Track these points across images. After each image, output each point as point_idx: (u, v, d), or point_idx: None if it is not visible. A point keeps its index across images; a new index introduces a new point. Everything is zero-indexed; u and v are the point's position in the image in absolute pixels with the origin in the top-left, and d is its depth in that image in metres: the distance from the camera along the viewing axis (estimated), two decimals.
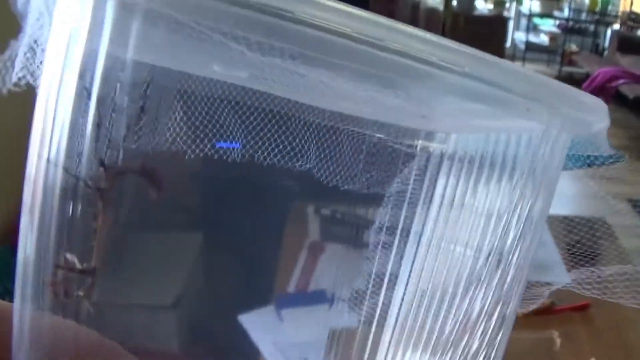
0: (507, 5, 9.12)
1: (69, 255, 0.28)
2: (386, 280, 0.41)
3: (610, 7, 8.63)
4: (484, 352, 0.30)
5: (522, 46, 9.13)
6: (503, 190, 0.32)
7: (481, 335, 0.30)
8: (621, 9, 8.46)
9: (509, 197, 0.31)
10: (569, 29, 8.79)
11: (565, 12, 9.04)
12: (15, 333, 0.27)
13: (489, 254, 0.31)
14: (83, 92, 0.28)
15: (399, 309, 0.36)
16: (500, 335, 0.30)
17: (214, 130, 0.39)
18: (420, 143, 0.39)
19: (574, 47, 8.51)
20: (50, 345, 0.27)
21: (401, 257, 0.40)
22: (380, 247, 0.41)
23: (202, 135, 0.38)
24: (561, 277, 0.35)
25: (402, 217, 0.40)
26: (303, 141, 0.39)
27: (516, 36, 9.65)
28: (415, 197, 0.39)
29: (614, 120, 0.31)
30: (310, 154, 0.40)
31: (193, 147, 0.38)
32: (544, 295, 0.39)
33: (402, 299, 0.36)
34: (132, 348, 0.31)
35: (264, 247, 1.11)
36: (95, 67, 0.28)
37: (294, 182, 1.13)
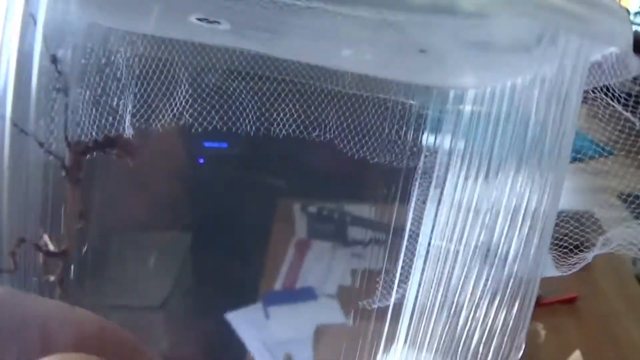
0: None
1: (45, 237, 0.27)
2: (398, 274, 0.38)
3: None
4: (511, 318, 0.27)
5: None
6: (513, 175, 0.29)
7: (498, 329, 0.27)
8: None
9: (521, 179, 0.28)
10: None
11: None
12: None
13: (498, 252, 0.28)
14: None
15: (415, 301, 0.33)
16: (524, 300, 0.27)
17: (223, 103, 0.37)
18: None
19: None
20: (75, 337, 0.26)
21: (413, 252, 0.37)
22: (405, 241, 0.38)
23: (210, 110, 0.36)
24: (548, 270, 0.33)
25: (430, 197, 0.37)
26: (320, 110, 0.37)
27: None
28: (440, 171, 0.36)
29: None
30: (330, 124, 0.37)
31: (202, 121, 0.36)
32: (588, 258, 0.35)
33: (418, 293, 0.33)
34: None
35: (251, 246, 1.11)
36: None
37: (281, 181, 1.13)
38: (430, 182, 0.37)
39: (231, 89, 0.36)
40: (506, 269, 0.28)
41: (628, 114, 0.31)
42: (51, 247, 0.26)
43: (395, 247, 0.40)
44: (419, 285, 0.34)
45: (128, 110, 0.35)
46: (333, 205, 1.18)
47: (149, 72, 0.35)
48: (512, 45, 0.27)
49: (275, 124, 0.37)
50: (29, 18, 0.26)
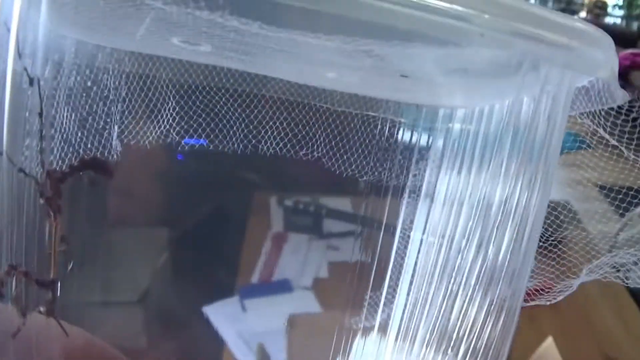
0: None
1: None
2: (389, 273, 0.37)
3: None
4: (489, 346, 0.27)
5: None
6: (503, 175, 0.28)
7: (484, 328, 0.27)
8: None
9: (511, 180, 0.28)
10: None
11: (532, 0, 8.69)
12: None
13: (489, 248, 0.28)
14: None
15: (406, 299, 0.33)
16: (503, 327, 0.27)
17: (210, 121, 0.37)
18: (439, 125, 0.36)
19: None
20: (61, 352, 0.27)
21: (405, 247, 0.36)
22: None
23: (197, 128, 0.36)
24: None
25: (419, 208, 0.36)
26: (308, 128, 0.37)
27: None
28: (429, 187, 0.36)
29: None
30: (318, 142, 0.37)
31: (188, 138, 0.36)
32: (573, 287, 0.35)
33: (409, 289, 0.33)
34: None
35: (228, 240, 1.12)
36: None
37: (256, 175, 1.13)
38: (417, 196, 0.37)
39: (218, 106, 0.36)
40: (492, 281, 0.28)
41: (614, 141, 0.31)
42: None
43: (371, 239, 0.40)
44: (408, 283, 0.34)
45: (115, 127, 0.35)
46: (309, 198, 1.19)
47: (137, 90, 0.35)
48: (492, 71, 0.27)
49: (263, 141, 0.37)
50: (4, 29, 0.25)
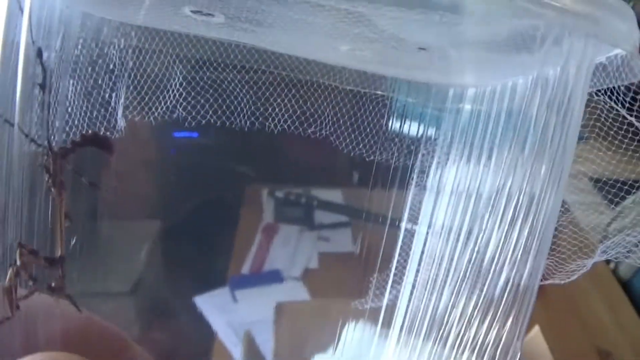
0: None
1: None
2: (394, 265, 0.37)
3: None
4: (507, 328, 0.26)
5: None
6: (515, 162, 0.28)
7: (502, 311, 0.27)
8: None
9: (524, 167, 0.27)
10: None
11: None
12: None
13: (506, 227, 0.27)
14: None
15: (413, 286, 0.32)
16: (522, 309, 0.26)
17: (218, 97, 0.36)
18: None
19: None
20: (61, 330, 0.26)
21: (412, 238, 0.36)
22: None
23: (204, 104, 0.36)
24: None
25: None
26: (317, 106, 0.36)
27: None
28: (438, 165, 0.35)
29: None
30: (326, 120, 0.37)
31: (196, 115, 0.36)
32: (587, 266, 0.35)
33: (414, 284, 0.33)
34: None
35: (220, 232, 1.13)
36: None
37: (250, 167, 1.14)
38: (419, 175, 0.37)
39: (226, 82, 0.36)
40: (503, 275, 0.27)
41: (632, 118, 0.30)
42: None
43: (360, 230, 0.40)
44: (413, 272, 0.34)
45: (120, 103, 0.34)
46: (300, 190, 1.20)
47: (143, 65, 0.34)
48: (514, 45, 0.26)
49: (270, 119, 0.37)
50: (16, 6, 0.25)
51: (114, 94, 0.34)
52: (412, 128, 0.38)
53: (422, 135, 0.37)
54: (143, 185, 1.06)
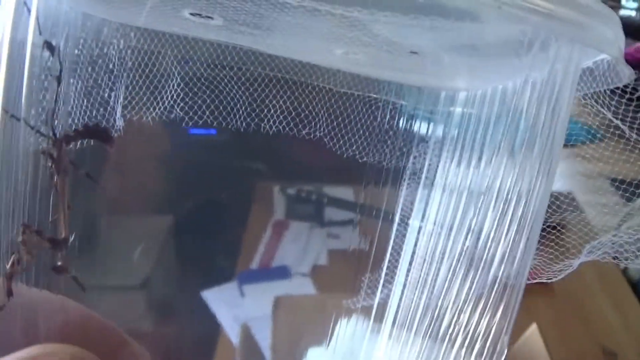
0: None
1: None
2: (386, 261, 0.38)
3: None
4: (495, 323, 0.27)
5: None
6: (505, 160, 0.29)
7: (490, 307, 0.27)
8: None
9: (513, 167, 0.28)
10: None
11: None
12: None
13: (490, 235, 0.28)
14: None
15: (403, 289, 0.33)
16: (509, 304, 0.27)
17: (214, 98, 0.37)
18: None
19: None
20: (60, 325, 0.27)
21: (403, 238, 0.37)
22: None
23: (201, 104, 0.36)
24: None
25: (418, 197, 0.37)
26: (311, 108, 0.37)
27: None
28: (430, 173, 0.36)
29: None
30: (320, 122, 0.37)
31: (192, 115, 0.36)
32: (573, 266, 0.36)
33: (405, 280, 0.33)
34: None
35: (230, 227, 1.14)
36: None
37: (260, 164, 1.15)
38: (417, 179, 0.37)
39: (222, 84, 0.36)
40: (492, 270, 0.28)
41: (617, 122, 0.31)
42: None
43: (370, 227, 0.40)
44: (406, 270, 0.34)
45: (119, 102, 0.35)
46: (312, 187, 1.20)
47: (142, 65, 0.35)
48: (502, 49, 0.27)
49: (266, 120, 0.37)
50: (22, 6, 0.26)
51: (113, 94, 0.35)
52: (404, 130, 0.38)
53: (414, 137, 0.38)
54: (155, 181, 1.07)
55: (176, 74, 0.36)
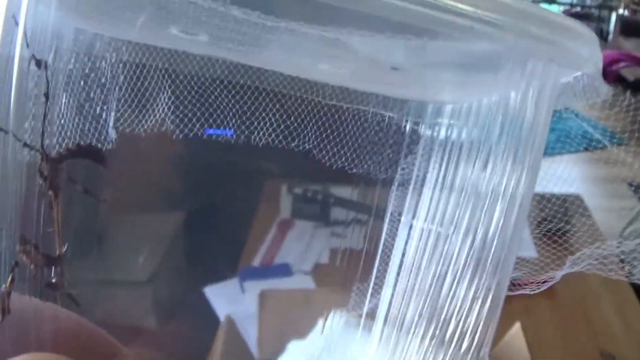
0: None
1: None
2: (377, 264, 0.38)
3: None
4: (472, 334, 0.28)
5: None
6: (491, 166, 0.29)
7: (470, 317, 0.28)
8: None
9: (498, 171, 0.28)
10: (574, 14, 8.50)
11: None
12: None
13: (476, 235, 0.29)
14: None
15: (392, 291, 0.34)
16: (490, 315, 0.28)
17: (205, 110, 0.37)
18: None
19: None
20: (51, 333, 0.27)
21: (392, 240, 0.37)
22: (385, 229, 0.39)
23: (192, 117, 0.37)
24: (528, 251, 0.33)
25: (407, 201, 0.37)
26: (300, 120, 0.37)
27: None
28: (417, 180, 0.37)
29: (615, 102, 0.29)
30: (309, 134, 0.38)
31: (183, 128, 0.37)
32: (556, 277, 0.36)
33: (395, 282, 0.34)
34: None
35: (236, 226, 1.14)
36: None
37: (271, 163, 1.16)
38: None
39: (212, 97, 0.37)
40: (474, 282, 0.29)
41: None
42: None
43: (374, 226, 0.41)
44: (399, 268, 0.35)
45: (111, 115, 0.35)
46: (320, 187, 1.21)
47: (133, 78, 0.36)
48: (480, 66, 0.28)
49: (255, 132, 0.38)
50: (11, 20, 0.26)
51: (105, 107, 0.35)
52: (392, 142, 0.39)
53: (402, 149, 0.39)
54: (167, 179, 1.08)
55: (167, 87, 0.36)
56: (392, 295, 0.33)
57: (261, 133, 0.38)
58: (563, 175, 0.36)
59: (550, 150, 0.31)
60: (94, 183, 0.30)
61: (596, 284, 1.09)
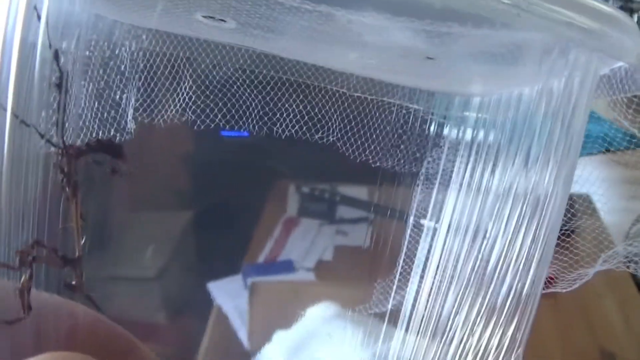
0: None
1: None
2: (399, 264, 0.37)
3: None
4: (508, 335, 0.27)
5: None
6: (522, 165, 0.28)
7: (504, 318, 0.27)
8: None
9: (536, 168, 0.27)
10: None
11: None
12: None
13: (510, 235, 0.28)
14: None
15: (417, 292, 0.33)
16: (524, 316, 0.27)
17: (227, 101, 0.36)
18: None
19: None
20: (68, 329, 0.26)
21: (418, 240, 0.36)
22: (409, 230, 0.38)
23: (213, 107, 0.36)
24: None
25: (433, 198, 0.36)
26: (324, 112, 0.37)
27: None
28: (444, 177, 0.36)
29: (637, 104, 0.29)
30: (333, 126, 0.37)
31: (204, 119, 0.36)
32: (589, 274, 0.35)
33: (420, 282, 0.33)
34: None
35: (243, 224, 1.15)
36: None
37: (281, 163, 1.16)
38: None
39: (235, 87, 0.36)
40: (507, 281, 0.28)
41: (635, 130, 0.31)
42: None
43: (381, 226, 0.40)
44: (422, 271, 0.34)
45: (131, 105, 0.34)
46: (328, 185, 1.22)
47: (153, 67, 0.35)
48: (520, 56, 0.27)
49: (278, 124, 0.37)
50: (32, 9, 0.25)
51: (124, 96, 0.34)
52: (418, 135, 0.38)
53: (428, 142, 0.38)
54: (179, 178, 1.09)
55: (188, 77, 0.35)
56: (417, 296, 0.32)
57: (284, 125, 0.37)
58: (582, 176, 0.35)
59: None
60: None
61: (598, 282, 1.08)
